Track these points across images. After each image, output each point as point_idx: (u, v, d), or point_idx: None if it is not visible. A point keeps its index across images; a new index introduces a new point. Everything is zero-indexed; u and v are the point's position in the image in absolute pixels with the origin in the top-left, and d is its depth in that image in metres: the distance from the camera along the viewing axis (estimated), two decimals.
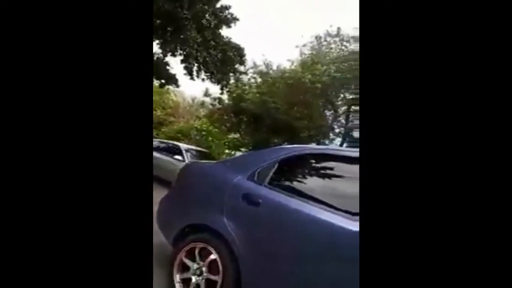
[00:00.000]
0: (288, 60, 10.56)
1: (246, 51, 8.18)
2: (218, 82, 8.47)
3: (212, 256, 1.62)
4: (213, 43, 7.56)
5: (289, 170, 1.75)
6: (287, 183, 1.71)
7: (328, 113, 11.09)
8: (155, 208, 2.08)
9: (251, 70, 10.53)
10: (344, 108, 10.62)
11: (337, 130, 10.99)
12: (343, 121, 10.80)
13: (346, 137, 10.30)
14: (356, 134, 10.05)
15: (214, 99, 11.17)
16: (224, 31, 7.90)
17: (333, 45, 10.01)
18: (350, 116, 10.31)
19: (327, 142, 10.44)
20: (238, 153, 10.81)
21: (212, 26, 7.32)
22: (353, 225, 1.25)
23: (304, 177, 1.74)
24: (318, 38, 10.14)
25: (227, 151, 11.85)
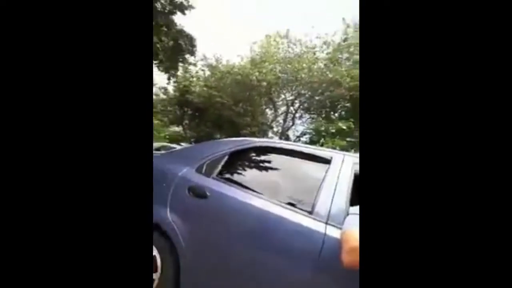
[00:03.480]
0: (238, 56, 10.80)
1: (197, 42, 8.02)
2: (166, 70, 8.24)
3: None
4: (165, 30, 7.37)
5: (239, 163, 1.71)
6: (236, 176, 1.66)
7: (269, 112, 11.81)
8: None
9: (200, 62, 10.55)
10: (283, 108, 11.46)
11: (275, 129, 11.81)
12: (281, 120, 11.66)
13: (283, 136, 11.18)
14: (290, 133, 10.96)
15: (159, 88, 10.84)
16: (178, 18, 7.70)
17: (281, 46, 10.41)
18: (288, 117, 11.21)
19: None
20: (178, 148, 10.46)
21: (166, 11, 7.15)
22: (297, 218, 1.31)
23: (252, 170, 1.73)
24: (268, 37, 10.49)
25: (166, 144, 11.42)
